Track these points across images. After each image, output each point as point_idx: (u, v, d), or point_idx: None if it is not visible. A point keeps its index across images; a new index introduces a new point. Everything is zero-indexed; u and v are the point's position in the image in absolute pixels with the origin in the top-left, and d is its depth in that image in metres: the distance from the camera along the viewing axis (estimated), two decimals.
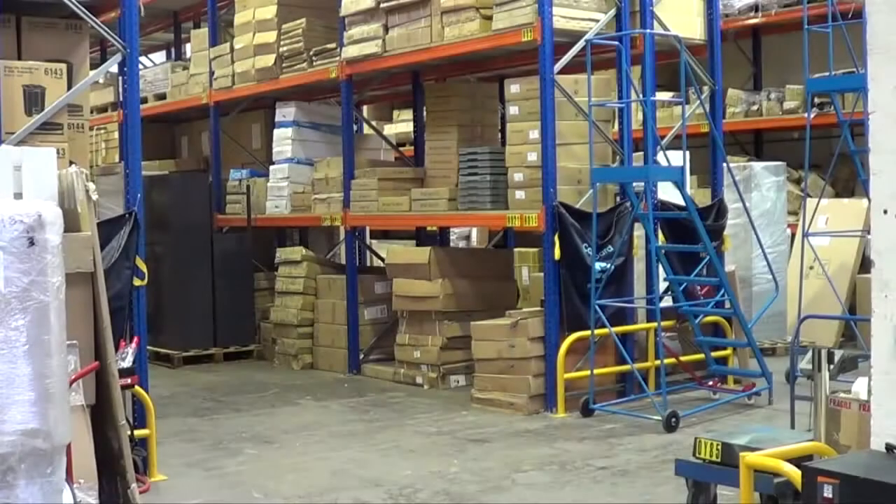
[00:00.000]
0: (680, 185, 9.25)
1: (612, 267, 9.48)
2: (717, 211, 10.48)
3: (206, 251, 12.81)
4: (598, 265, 9.37)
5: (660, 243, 10.09)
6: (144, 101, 13.62)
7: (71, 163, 7.10)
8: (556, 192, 9.38)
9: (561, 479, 7.25)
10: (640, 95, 10.00)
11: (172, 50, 18.34)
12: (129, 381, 6.88)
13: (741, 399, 9.50)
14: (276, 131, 13.12)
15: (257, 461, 7.97)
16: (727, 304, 9.89)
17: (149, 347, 9.01)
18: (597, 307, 9.09)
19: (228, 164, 13.97)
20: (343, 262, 12.79)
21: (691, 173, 11.89)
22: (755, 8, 14.70)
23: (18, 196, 5.27)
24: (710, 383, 9.85)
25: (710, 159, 10.96)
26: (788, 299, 11.93)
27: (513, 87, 10.20)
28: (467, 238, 16.22)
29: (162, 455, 7.72)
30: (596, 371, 9.41)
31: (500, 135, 11.97)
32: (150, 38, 18.07)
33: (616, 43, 9.67)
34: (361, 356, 11.74)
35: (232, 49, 13.19)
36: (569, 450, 8.02)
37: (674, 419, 8.53)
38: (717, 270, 9.42)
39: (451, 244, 15.17)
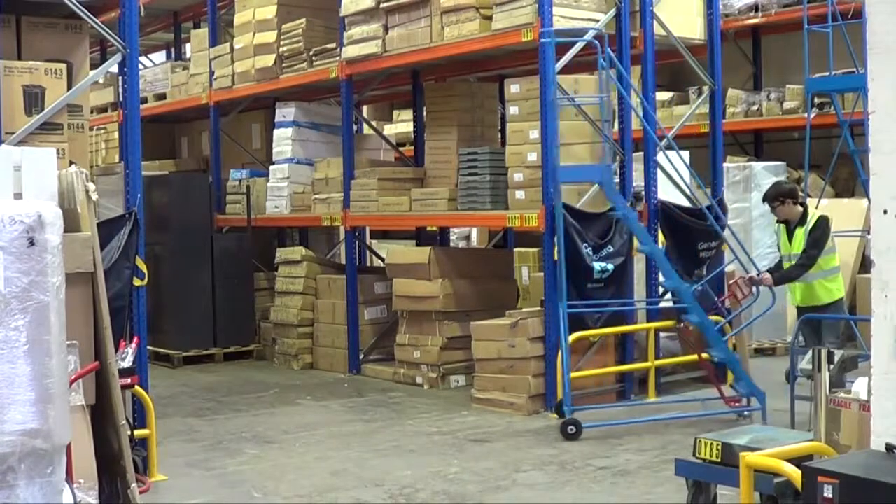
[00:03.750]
0: (607, 186, 8.98)
1: (612, 267, 9.48)
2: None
3: (206, 251, 12.81)
4: (598, 265, 9.37)
5: (661, 243, 10.13)
6: (144, 101, 13.63)
7: (71, 163, 7.10)
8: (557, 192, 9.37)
9: (561, 479, 7.25)
10: (639, 95, 10.00)
11: (172, 50, 18.35)
12: (129, 381, 6.88)
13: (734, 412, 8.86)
14: (276, 131, 13.12)
15: (257, 461, 7.97)
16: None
17: (149, 347, 9.01)
18: (566, 309, 8.82)
19: (228, 164, 13.97)
20: (343, 262, 12.79)
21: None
22: (755, 8, 14.71)
23: (18, 196, 5.27)
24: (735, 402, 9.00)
25: (710, 159, 10.95)
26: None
27: (513, 87, 10.19)
28: (467, 238, 16.22)
29: (162, 455, 7.71)
30: (594, 371, 9.45)
31: (500, 135, 11.97)
32: (150, 38, 18.08)
33: (594, 41, 9.05)
34: (361, 356, 11.74)
35: (232, 49, 13.19)
36: (569, 450, 8.02)
37: (571, 427, 8.33)
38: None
39: (451, 244, 15.17)
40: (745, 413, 8.79)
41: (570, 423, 8.33)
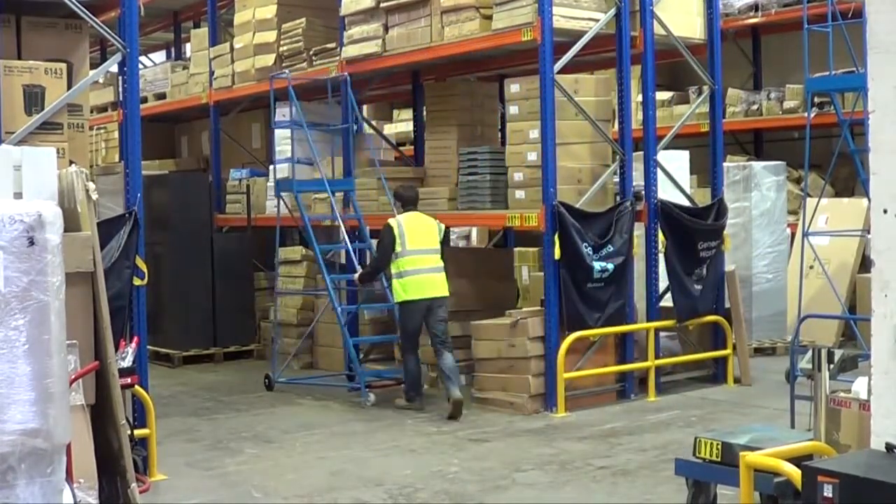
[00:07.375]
0: (350, 195, 10.40)
1: (613, 267, 9.49)
2: (717, 211, 10.47)
3: (206, 251, 12.80)
4: (598, 265, 9.37)
5: (661, 243, 10.14)
6: (144, 100, 13.62)
7: (71, 163, 7.09)
8: (556, 192, 9.38)
9: (561, 478, 7.25)
10: (640, 95, 10.02)
11: (172, 50, 18.35)
12: (129, 380, 6.87)
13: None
14: (276, 131, 13.10)
15: (257, 461, 7.97)
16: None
17: (149, 347, 9.01)
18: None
19: (228, 164, 13.96)
20: (343, 262, 12.77)
21: (691, 173, 11.91)
22: (755, 8, 14.70)
23: (18, 196, 5.27)
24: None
25: (710, 159, 10.95)
26: (788, 299, 11.94)
27: (513, 87, 10.20)
28: (467, 238, 16.21)
29: (162, 455, 7.72)
30: (593, 371, 9.48)
31: (500, 134, 11.96)
32: (150, 38, 18.08)
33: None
34: (361, 356, 11.72)
35: (232, 49, 13.19)
36: (569, 449, 8.02)
37: (266, 380, 10.65)
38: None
39: (451, 244, 15.15)
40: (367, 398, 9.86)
41: (266, 376, 10.75)
